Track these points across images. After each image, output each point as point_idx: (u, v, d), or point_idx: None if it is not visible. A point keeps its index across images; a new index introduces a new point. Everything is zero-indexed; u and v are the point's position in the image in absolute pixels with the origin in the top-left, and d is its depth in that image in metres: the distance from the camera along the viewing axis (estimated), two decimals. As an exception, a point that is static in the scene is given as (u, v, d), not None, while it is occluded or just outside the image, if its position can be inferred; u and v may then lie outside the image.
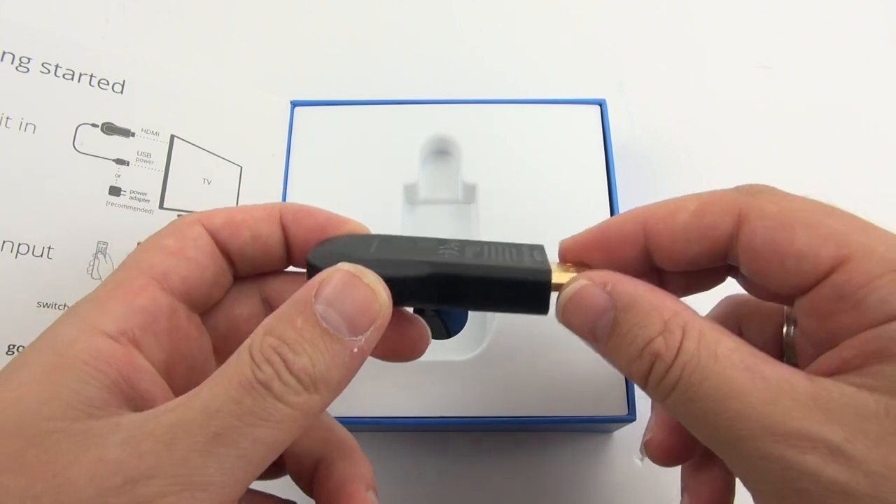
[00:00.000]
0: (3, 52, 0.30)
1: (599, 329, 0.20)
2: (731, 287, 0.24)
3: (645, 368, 0.19)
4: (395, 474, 0.34)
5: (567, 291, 0.21)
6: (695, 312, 0.20)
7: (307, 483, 0.23)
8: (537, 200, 0.35)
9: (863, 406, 0.17)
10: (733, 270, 0.24)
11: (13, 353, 0.28)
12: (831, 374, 0.18)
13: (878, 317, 0.18)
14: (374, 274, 0.20)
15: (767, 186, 0.21)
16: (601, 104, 0.37)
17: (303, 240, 0.23)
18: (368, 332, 0.19)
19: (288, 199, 0.35)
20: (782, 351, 0.24)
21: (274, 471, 0.23)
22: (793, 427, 0.17)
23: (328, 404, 0.19)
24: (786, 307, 0.25)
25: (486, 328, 0.33)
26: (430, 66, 0.44)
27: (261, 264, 0.24)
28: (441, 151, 0.37)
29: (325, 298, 0.18)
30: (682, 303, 0.20)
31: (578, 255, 0.23)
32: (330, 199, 0.36)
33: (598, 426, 0.34)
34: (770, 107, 0.43)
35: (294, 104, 0.37)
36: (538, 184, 0.35)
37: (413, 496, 0.34)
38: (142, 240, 0.32)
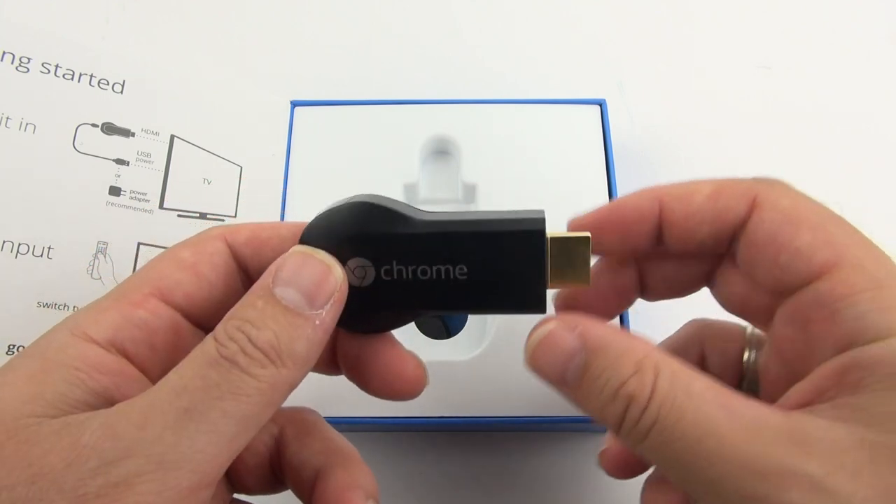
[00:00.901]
0: (3, 52, 0.30)
1: (570, 374, 0.20)
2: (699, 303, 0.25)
3: (620, 411, 0.18)
4: (395, 474, 0.34)
5: (536, 335, 0.20)
6: (665, 352, 0.19)
7: (309, 496, 0.23)
8: (537, 200, 0.35)
9: (839, 439, 0.17)
10: (711, 281, 0.24)
11: (13, 353, 0.28)
12: (804, 405, 0.18)
13: (851, 331, 0.18)
14: (326, 252, 0.20)
15: (785, 181, 0.21)
16: (601, 104, 0.37)
17: None
18: (328, 305, 0.19)
19: (288, 200, 0.35)
20: (742, 376, 0.25)
21: (275, 485, 0.23)
22: (772, 464, 0.17)
23: (297, 380, 0.19)
24: (748, 331, 0.25)
25: (486, 328, 0.33)
26: (430, 66, 0.44)
27: None
28: (441, 151, 0.37)
29: (282, 279, 0.19)
30: (651, 343, 0.20)
31: (590, 229, 0.22)
32: (330, 199, 0.36)
33: (598, 426, 0.34)
34: (770, 107, 0.43)
35: (294, 104, 0.37)
36: (538, 184, 0.35)
37: (413, 496, 0.34)
38: (142, 240, 0.32)
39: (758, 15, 0.46)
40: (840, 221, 0.20)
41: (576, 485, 0.34)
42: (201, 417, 0.17)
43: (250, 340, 0.18)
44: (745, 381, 0.25)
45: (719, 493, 0.17)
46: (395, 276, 0.21)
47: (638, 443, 0.18)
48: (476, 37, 0.45)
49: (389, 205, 0.21)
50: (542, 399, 0.31)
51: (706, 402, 0.18)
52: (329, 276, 0.19)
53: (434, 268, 0.21)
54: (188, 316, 0.22)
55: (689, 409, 0.18)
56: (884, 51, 0.44)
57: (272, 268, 0.19)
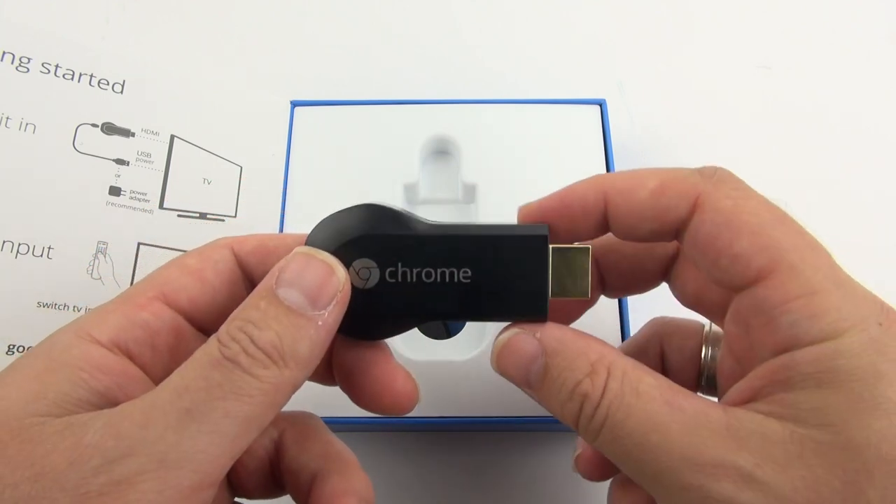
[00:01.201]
0: (3, 52, 0.30)
1: (533, 376, 0.21)
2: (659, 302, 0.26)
3: (575, 409, 0.20)
4: (394, 474, 0.34)
5: (500, 340, 0.22)
6: (619, 353, 0.20)
7: (305, 500, 0.23)
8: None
9: (771, 433, 0.18)
10: (668, 277, 0.25)
11: (13, 353, 0.28)
12: (744, 402, 0.19)
13: (786, 338, 0.18)
14: (328, 253, 0.20)
15: (731, 175, 0.21)
16: (601, 104, 0.37)
17: None
18: (331, 306, 0.19)
19: (288, 200, 0.35)
20: (700, 371, 0.26)
21: (275, 489, 0.23)
22: (709, 456, 0.18)
23: (300, 381, 0.19)
24: (705, 328, 0.26)
25: (485, 328, 0.33)
26: (430, 66, 0.44)
27: None
28: (441, 151, 0.37)
29: (285, 280, 0.19)
30: (607, 345, 0.21)
31: (537, 219, 0.23)
32: (330, 199, 0.36)
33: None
34: (770, 107, 0.43)
35: (294, 104, 0.37)
36: (538, 184, 0.35)
37: (413, 496, 0.34)
38: (142, 240, 0.32)
39: (758, 15, 0.46)
40: (782, 222, 0.19)
41: (575, 484, 0.34)
42: (203, 418, 0.17)
43: (252, 341, 0.18)
44: (703, 376, 0.25)
45: (663, 483, 0.18)
46: (400, 279, 0.21)
47: (593, 439, 0.20)
48: (476, 37, 0.45)
49: (396, 208, 0.21)
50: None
51: (652, 400, 0.19)
52: (332, 276, 0.19)
53: (438, 270, 0.21)
54: (191, 320, 0.22)
55: (637, 407, 0.19)
56: (884, 51, 0.44)
57: (275, 269, 0.19)
